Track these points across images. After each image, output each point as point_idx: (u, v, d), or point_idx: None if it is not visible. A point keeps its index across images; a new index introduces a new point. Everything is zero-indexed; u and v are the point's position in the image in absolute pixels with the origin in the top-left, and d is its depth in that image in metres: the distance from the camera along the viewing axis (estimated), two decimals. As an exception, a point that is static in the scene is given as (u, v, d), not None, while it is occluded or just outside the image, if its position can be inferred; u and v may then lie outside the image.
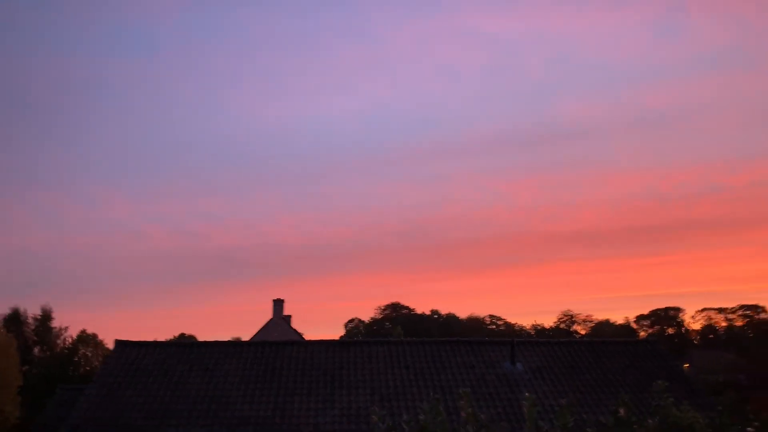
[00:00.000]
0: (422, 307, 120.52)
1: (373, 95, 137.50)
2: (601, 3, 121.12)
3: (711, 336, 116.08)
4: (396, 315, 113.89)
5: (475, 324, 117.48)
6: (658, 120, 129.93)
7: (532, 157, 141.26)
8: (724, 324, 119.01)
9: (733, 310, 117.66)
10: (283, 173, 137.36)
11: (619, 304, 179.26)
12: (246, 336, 49.67)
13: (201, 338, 39.50)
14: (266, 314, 43.09)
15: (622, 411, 8.50)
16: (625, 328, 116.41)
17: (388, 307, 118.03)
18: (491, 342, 19.21)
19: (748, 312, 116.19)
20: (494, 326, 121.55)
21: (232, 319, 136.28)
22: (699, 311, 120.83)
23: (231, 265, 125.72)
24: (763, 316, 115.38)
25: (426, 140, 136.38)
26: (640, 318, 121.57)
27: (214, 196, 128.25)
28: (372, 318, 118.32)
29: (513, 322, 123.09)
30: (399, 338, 28.65)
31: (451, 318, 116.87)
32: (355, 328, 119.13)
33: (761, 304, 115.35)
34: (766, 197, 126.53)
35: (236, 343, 20.33)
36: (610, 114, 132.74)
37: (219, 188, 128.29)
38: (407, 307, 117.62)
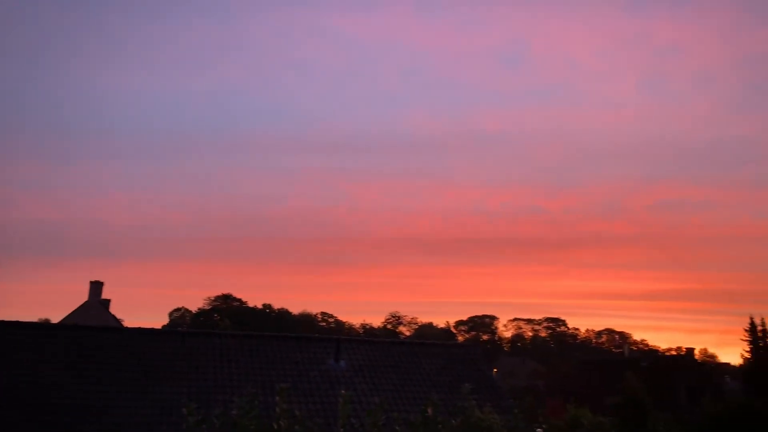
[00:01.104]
0: (255, 300, 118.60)
1: (225, 79, 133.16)
2: (455, 24, 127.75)
3: (519, 344, 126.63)
4: (226, 307, 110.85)
5: (307, 320, 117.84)
6: (492, 142, 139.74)
7: (378, 161, 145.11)
8: (530, 334, 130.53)
9: (539, 322, 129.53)
10: (121, 147, 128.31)
11: (443, 309, 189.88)
12: (56, 318, 45.84)
13: None
14: (81, 296, 39.98)
15: (429, 410, 8.98)
16: (446, 331, 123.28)
17: (218, 298, 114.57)
18: (318, 339, 19.38)
19: (551, 324, 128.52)
20: (325, 323, 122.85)
21: (40, 298, 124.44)
22: (511, 320, 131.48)
23: (44, 240, 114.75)
24: (563, 329, 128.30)
25: (275, 131, 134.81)
26: (459, 323, 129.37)
27: (31, 161, 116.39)
28: (200, 308, 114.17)
29: (344, 320, 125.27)
30: (225, 331, 27.93)
31: (284, 313, 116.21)
32: (180, 317, 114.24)
33: (563, 318, 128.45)
34: (575, 223, 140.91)
35: (39, 326, 18.59)
36: (451, 130, 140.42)
37: (38, 154, 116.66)
38: (239, 300, 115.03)
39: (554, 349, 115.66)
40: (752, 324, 56.13)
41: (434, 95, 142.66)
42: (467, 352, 20.68)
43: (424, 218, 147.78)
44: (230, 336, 18.56)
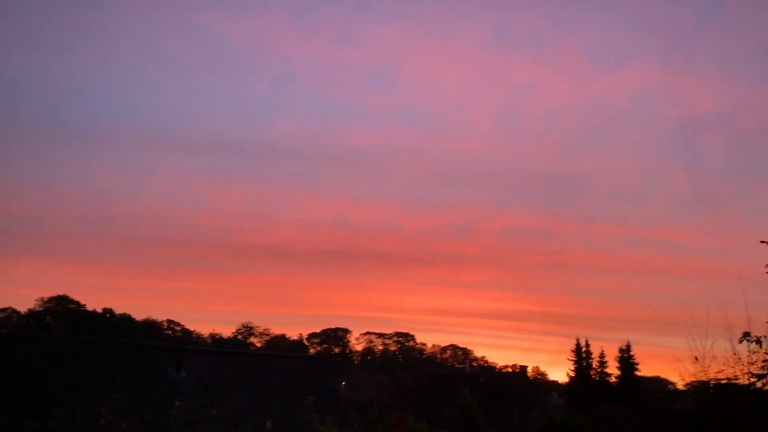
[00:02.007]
0: (95, 304, 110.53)
1: (81, 64, 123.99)
2: (329, 38, 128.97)
3: (369, 357, 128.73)
4: (61, 309, 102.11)
5: (151, 327, 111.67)
6: (358, 158, 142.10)
7: (241, 167, 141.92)
8: (381, 348, 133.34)
9: (390, 336, 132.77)
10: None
11: (298, 321, 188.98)
12: None
13: None
14: None
15: (269, 424, 8.92)
16: (299, 344, 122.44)
17: (52, 299, 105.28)
18: (159, 347, 18.48)
19: (401, 339, 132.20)
20: (171, 332, 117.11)
21: None
22: (363, 334, 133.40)
23: None
24: (412, 343, 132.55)
25: (132, 126, 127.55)
26: (312, 336, 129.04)
27: None
28: (30, 309, 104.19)
29: (192, 328, 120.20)
30: (57, 335, 25.74)
31: (126, 319, 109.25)
32: (6, 318, 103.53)
33: (412, 333, 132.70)
34: (429, 242, 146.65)
35: None
36: (318, 142, 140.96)
37: None
38: (76, 302, 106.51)
39: (402, 363, 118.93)
40: (578, 345, 61.44)
41: (304, 106, 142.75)
42: (315, 364, 20.74)
43: (285, 228, 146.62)
44: (59, 340, 17.16)
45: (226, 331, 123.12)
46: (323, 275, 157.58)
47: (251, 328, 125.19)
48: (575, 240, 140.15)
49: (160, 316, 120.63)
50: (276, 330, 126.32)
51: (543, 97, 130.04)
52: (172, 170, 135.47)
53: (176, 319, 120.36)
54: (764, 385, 11.26)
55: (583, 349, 61.23)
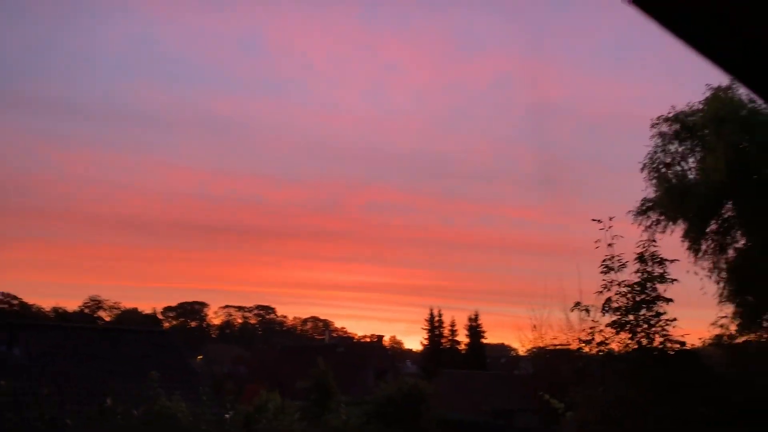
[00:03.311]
0: None
1: None
2: (204, 2, 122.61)
3: (228, 331, 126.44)
4: None
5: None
6: (223, 127, 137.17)
7: (93, 131, 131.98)
8: (240, 321, 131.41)
9: (250, 309, 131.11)
10: None
11: (153, 294, 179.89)
12: None
13: None
14: None
15: (108, 401, 8.44)
16: (152, 318, 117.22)
17: None
18: (-13, 323, 16.86)
19: (261, 312, 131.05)
20: (8, 306, 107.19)
21: None
22: (222, 308, 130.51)
23: None
24: (272, 316, 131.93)
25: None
26: (167, 309, 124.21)
27: None
28: None
29: (31, 302, 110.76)
30: None
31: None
32: None
33: (273, 306, 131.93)
34: (294, 216, 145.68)
35: None
36: (180, 108, 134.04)
37: None
38: None
39: (262, 336, 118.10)
40: (431, 315, 64.41)
41: (165, 69, 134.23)
42: (165, 338, 19.99)
43: (139, 197, 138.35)
44: None
45: (72, 305, 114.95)
46: (181, 248, 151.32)
47: (99, 301, 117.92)
48: (434, 216, 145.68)
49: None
50: (127, 304, 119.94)
51: (409, 77, 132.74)
52: (9, 130, 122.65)
53: (13, 292, 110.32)
54: (591, 349, 12.41)
55: (436, 319, 64.31)
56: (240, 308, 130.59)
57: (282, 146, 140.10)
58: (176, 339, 20.95)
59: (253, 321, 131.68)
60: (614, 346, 11.78)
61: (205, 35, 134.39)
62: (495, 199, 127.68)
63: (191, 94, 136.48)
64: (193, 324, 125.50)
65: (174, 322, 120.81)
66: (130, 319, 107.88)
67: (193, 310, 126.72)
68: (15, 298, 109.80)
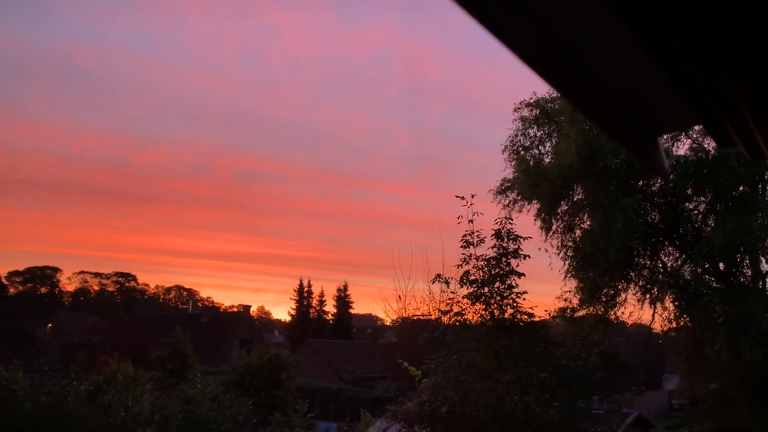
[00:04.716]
0: None
1: None
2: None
3: (82, 299, 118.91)
4: None
5: None
6: (82, 79, 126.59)
7: None
8: (97, 288, 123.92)
9: (108, 276, 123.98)
10: None
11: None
12: None
13: None
14: None
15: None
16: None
17: None
18: None
19: (121, 279, 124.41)
20: None
21: None
22: (77, 273, 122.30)
23: None
24: (132, 284, 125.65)
25: None
26: (13, 274, 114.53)
27: None
28: None
29: None
30: None
31: None
32: None
33: (134, 273, 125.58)
34: (160, 179, 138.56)
35: None
36: (33, 55, 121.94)
37: None
38: None
39: (120, 304, 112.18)
40: (300, 286, 64.47)
41: (17, 11, 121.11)
42: (5, 304, 18.38)
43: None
44: None
45: None
46: (31, 208, 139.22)
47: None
48: (308, 187, 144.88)
49: None
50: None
51: (287, 43, 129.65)
52: None
53: None
54: (449, 319, 13.01)
55: (305, 289, 64.48)
56: (97, 275, 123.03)
57: (149, 105, 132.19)
58: (21, 306, 19.29)
59: (110, 288, 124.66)
60: (470, 316, 12.42)
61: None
62: (368, 174, 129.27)
63: (49, 42, 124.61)
64: (44, 290, 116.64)
65: (21, 288, 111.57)
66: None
67: (43, 275, 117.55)
68: None
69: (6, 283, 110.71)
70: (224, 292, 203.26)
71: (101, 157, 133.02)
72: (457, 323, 12.46)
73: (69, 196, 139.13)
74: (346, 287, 63.61)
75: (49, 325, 69.76)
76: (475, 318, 12.52)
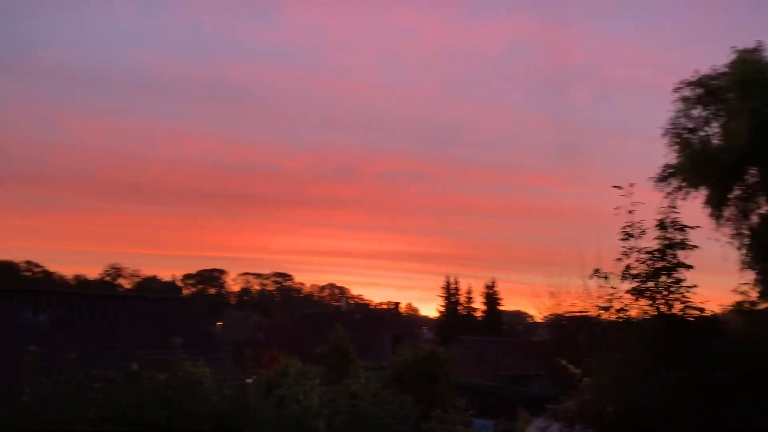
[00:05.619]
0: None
1: None
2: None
3: (246, 298, 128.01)
4: None
5: (8, 269, 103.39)
6: (234, 94, 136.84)
7: (106, 99, 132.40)
8: (258, 288, 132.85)
9: (267, 277, 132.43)
10: None
11: (171, 262, 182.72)
12: None
13: None
14: None
15: (134, 365, 8.60)
16: (171, 285, 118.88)
17: None
18: (13, 290, 17.23)
19: (279, 279, 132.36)
20: (31, 273, 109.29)
21: None
22: (240, 275, 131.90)
23: None
24: (289, 283, 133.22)
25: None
26: (186, 277, 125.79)
27: None
28: None
29: (54, 270, 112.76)
30: None
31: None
32: None
33: (289, 273, 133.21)
34: (308, 183, 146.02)
35: None
36: (191, 76, 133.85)
37: None
38: None
39: (279, 302, 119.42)
40: (447, 283, 64.69)
41: (177, 37, 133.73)
42: (185, 305, 20.27)
43: (156, 166, 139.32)
44: None
45: (92, 273, 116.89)
46: (198, 216, 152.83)
47: (119, 269, 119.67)
48: (449, 183, 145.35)
49: (17, 257, 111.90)
50: (147, 271, 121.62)
51: (422, 42, 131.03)
52: (27, 99, 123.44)
53: (35, 260, 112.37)
54: (609, 316, 12.43)
55: (452, 286, 64.59)
56: (257, 275, 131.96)
57: (295, 114, 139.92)
58: (196, 306, 21.24)
59: (270, 288, 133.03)
60: (633, 312, 11.77)
61: (219, 3, 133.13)
62: (511, 166, 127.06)
63: (204, 63, 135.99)
64: (212, 291, 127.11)
65: (193, 290, 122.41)
66: (150, 286, 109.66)
67: (211, 277, 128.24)
68: (37, 265, 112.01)
69: (180, 285, 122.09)
70: (372, 290, 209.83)
71: (256, 166, 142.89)
72: (620, 320, 11.87)
73: (230, 202, 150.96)
74: (494, 283, 62.92)
75: (219, 323, 75.94)
76: (639, 314, 11.86)
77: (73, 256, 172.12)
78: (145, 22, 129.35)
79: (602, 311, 12.83)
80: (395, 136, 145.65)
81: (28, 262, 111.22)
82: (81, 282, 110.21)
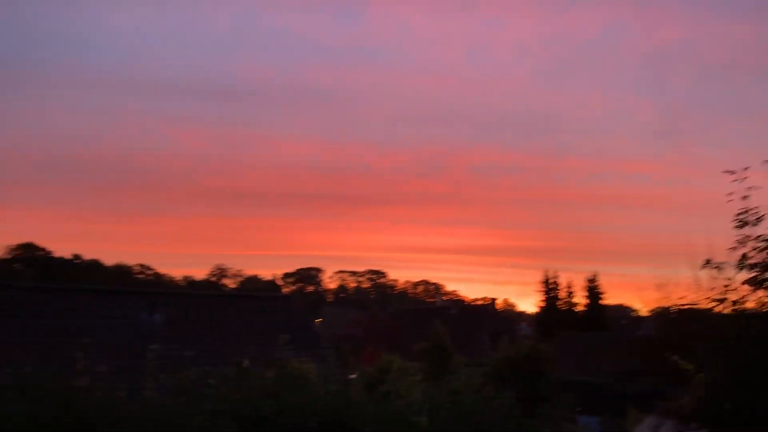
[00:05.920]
0: (63, 250, 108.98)
1: (29, 3, 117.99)
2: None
3: (342, 295, 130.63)
4: (29, 257, 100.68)
5: (122, 272, 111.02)
6: (323, 97, 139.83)
7: (204, 108, 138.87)
8: (354, 285, 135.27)
9: (363, 274, 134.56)
10: None
11: (271, 262, 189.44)
12: None
13: None
14: None
15: (246, 362, 9.02)
16: (272, 284, 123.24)
17: (19, 247, 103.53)
18: (131, 292, 18.46)
19: (373, 276, 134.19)
20: (143, 275, 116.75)
21: None
22: (336, 273, 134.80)
23: None
24: (384, 280, 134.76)
25: (86, 66, 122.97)
26: (286, 275, 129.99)
27: None
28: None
29: (164, 272, 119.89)
30: (27, 283, 25.48)
31: (95, 264, 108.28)
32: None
33: (384, 270, 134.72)
34: (400, 181, 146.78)
35: None
36: (282, 82, 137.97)
37: None
38: (43, 249, 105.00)
39: (375, 299, 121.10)
40: (546, 277, 63.09)
41: (266, 44, 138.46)
42: (288, 303, 20.95)
43: (254, 170, 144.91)
44: (25, 288, 16.97)
45: (199, 274, 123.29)
46: (295, 216, 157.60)
47: (224, 269, 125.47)
48: (544, 175, 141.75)
49: (131, 260, 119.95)
50: (249, 271, 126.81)
51: (511, 32, 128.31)
52: (132, 112, 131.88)
53: (147, 263, 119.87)
54: (724, 308, 11.70)
55: (551, 280, 62.94)
56: (353, 273, 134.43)
57: (385, 112, 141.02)
58: (297, 303, 21.93)
59: (366, 285, 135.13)
60: (750, 305, 11.06)
61: (303, 8, 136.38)
62: (608, 154, 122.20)
63: (293, 67, 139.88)
64: (310, 289, 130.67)
65: (292, 288, 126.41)
66: (253, 285, 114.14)
67: (309, 275, 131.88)
68: (149, 268, 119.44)
69: (280, 283, 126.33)
70: (467, 285, 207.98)
71: (349, 166, 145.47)
72: (735, 312, 11.17)
73: (325, 202, 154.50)
74: (595, 277, 60.79)
75: (319, 320, 77.93)
76: (756, 306, 11.11)
77: (181, 259, 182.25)
78: (237, 31, 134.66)
79: (716, 304, 12.13)
80: (488, 129, 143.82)
81: (141, 265, 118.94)
82: (189, 283, 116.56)
